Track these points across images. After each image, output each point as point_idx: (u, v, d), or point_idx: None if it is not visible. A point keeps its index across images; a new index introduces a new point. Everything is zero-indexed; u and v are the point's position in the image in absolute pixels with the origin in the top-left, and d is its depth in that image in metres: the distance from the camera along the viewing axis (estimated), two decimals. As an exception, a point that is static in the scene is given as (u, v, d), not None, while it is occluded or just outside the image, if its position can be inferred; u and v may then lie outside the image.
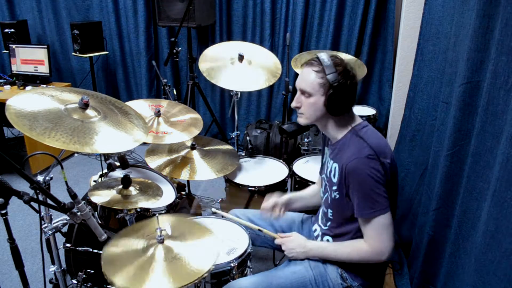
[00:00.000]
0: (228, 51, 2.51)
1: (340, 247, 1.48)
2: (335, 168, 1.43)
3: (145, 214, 1.95)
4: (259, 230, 1.65)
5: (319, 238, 1.59)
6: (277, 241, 1.59)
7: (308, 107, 1.42)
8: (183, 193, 2.29)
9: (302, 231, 1.72)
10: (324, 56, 1.38)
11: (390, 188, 1.37)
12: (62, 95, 1.42)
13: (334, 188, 1.43)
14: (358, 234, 1.43)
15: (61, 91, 1.45)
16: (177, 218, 1.56)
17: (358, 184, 1.34)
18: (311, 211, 1.79)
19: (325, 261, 1.50)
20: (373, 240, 1.37)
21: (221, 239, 1.64)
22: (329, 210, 1.51)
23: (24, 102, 1.27)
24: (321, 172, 1.72)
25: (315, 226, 1.65)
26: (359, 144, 1.36)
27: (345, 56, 2.75)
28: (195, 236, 1.47)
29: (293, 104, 1.47)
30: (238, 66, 2.44)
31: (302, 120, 1.48)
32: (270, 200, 1.69)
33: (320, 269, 1.48)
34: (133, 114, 1.54)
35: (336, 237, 1.51)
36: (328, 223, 1.54)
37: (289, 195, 1.74)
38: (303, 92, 1.43)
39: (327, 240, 1.54)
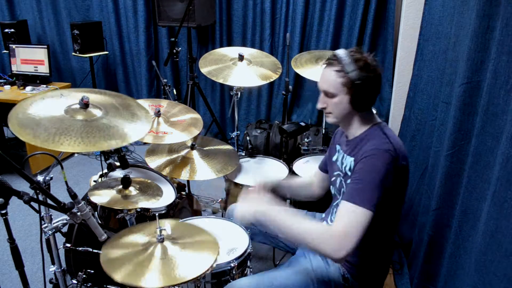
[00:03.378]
0: (227, 53, 2.60)
1: (301, 219, 1.37)
2: (351, 162, 1.40)
3: (145, 214, 1.95)
4: None
5: None
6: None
7: (334, 106, 1.40)
8: (183, 193, 2.29)
9: None
10: (342, 53, 1.35)
11: (398, 194, 1.34)
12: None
13: (349, 181, 1.39)
14: (365, 235, 1.31)
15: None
16: (177, 221, 1.56)
17: (363, 170, 1.30)
18: (314, 208, 1.78)
19: (327, 261, 1.48)
20: (340, 226, 1.24)
21: (221, 239, 1.64)
22: None
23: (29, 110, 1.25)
24: (321, 168, 1.72)
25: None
26: (382, 139, 1.34)
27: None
28: (195, 236, 1.47)
29: (319, 106, 1.45)
30: (239, 65, 2.50)
31: (330, 119, 1.46)
32: (260, 182, 1.61)
33: (322, 270, 1.47)
34: (134, 105, 1.51)
35: None
36: None
37: (278, 181, 1.73)
38: (326, 93, 1.41)
39: None
